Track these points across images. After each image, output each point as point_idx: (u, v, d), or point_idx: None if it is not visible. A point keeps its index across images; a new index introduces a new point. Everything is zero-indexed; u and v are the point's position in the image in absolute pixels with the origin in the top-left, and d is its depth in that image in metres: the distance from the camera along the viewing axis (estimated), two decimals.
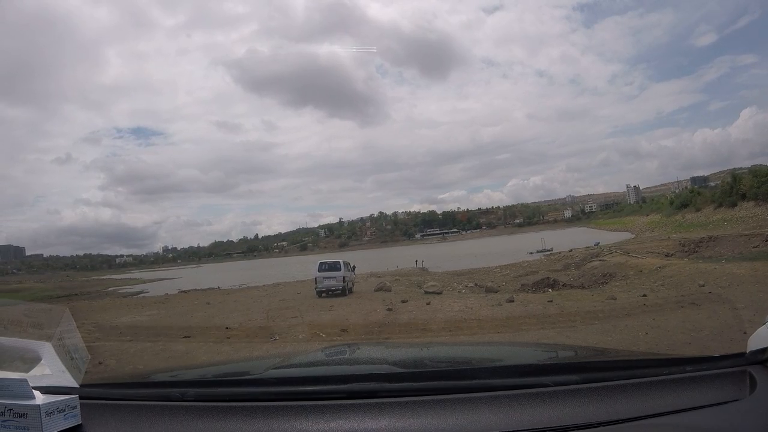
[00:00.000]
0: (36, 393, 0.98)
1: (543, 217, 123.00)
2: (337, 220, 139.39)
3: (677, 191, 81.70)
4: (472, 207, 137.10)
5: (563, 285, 16.04)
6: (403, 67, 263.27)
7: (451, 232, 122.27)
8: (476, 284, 18.54)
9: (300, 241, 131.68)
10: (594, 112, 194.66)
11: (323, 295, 15.50)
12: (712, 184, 78.04)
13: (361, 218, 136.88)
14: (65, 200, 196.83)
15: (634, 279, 15.46)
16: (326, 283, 15.82)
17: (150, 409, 1.07)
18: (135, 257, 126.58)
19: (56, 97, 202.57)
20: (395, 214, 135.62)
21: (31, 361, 1.20)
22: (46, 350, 1.21)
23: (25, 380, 0.99)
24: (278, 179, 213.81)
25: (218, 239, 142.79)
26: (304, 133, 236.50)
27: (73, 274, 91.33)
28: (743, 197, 40.08)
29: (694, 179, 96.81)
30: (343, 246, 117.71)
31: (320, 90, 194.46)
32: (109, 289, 45.11)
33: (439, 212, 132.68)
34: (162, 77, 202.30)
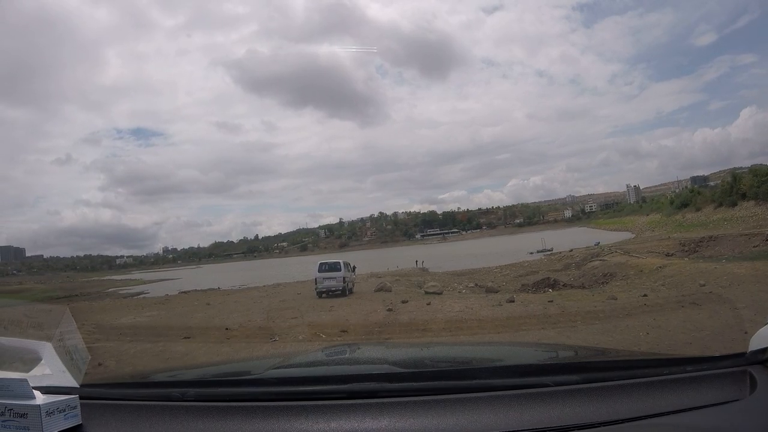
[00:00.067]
0: (36, 393, 0.98)
1: (543, 217, 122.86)
2: (338, 221, 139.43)
3: (677, 191, 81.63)
4: (473, 207, 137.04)
5: (564, 285, 16.05)
6: (403, 68, 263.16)
7: (452, 233, 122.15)
8: (477, 284, 18.56)
9: (300, 241, 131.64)
10: (594, 112, 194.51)
11: (323, 295, 15.50)
12: (712, 183, 77.96)
13: (362, 218, 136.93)
14: (65, 201, 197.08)
15: (634, 279, 15.46)
16: (326, 283, 15.82)
17: (150, 409, 1.07)
18: (135, 258, 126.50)
19: (56, 98, 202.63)
20: (395, 214, 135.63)
21: (31, 361, 1.20)
22: (47, 350, 1.21)
23: (26, 380, 0.99)
24: (278, 180, 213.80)
25: (218, 240, 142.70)
26: (304, 134, 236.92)
27: (73, 275, 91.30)
28: (743, 197, 40.10)
29: (694, 179, 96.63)
30: (343, 246, 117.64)
31: (320, 90, 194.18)
32: (110, 289, 45.12)
33: (439, 212, 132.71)
34: (162, 78, 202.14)
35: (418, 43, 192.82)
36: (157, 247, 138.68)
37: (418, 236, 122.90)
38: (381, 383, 1.14)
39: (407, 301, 12.45)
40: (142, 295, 30.05)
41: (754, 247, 20.47)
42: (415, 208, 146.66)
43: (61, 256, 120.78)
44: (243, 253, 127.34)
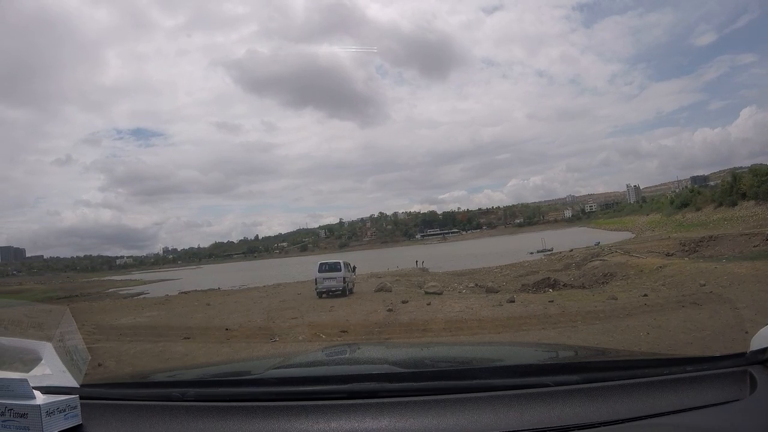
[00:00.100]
0: (36, 393, 0.99)
1: (543, 217, 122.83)
2: (338, 221, 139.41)
3: (677, 191, 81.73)
4: (473, 207, 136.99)
5: (564, 285, 16.04)
6: (403, 68, 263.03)
7: (452, 233, 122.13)
8: (477, 284, 18.54)
9: (300, 241, 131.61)
10: (594, 111, 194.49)
11: (323, 295, 15.49)
12: (712, 183, 77.98)
13: (362, 219, 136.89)
14: (65, 201, 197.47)
15: (634, 279, 15.46)
16: (326, 283, 15.81)
17: (150, 409, 1.07)
18: (135, 258, 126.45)
19: (56, 99, 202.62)
20: (395, 214, 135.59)
21: (31, 361, 1.20)
22: (47, 350, 1.21)
23: (26, 380, 0.99)
24: (278, 180, 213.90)
25: (218, 240, 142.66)
26: (304, 134, 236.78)
27: (73, 275, 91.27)
28: (743, 196, 40.15)
29: (694, 178, 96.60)
30: (343, 246, 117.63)
31: (320, 91, 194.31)
32: (110, 290, 45.12)
33: (439, 212, 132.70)
34: (162, 78, 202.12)
35: (418, 43, 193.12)
36: (158, 248, 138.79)
37: (418, 236, 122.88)
38: (381, 383, 1.14)
39: (407, 302, 12.44)
40: (142, 296, 30.06)
41: (754, 246, 20.47)
42: (415, 208, 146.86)
43: (62, 257, 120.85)
44: (243, 253, 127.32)
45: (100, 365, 5.62)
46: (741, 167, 66.12)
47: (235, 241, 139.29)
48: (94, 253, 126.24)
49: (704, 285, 11.25)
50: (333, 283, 15.81)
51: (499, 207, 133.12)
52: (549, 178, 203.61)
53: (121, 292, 38.95)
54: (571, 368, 1.26)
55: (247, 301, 16.41)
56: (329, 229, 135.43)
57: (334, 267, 16.28)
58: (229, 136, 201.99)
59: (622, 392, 1.02)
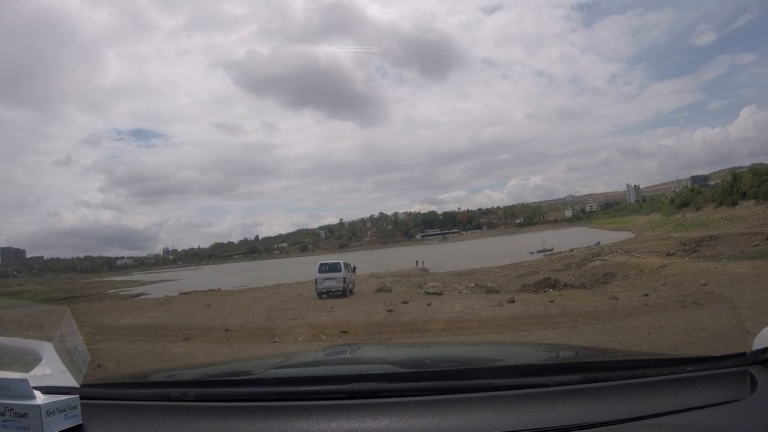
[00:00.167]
0: (37, 393, 0.99)
1: (543, 216, 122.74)
2: (338, 221, 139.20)
3: (677, 190, 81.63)
4: (473, 207, 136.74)
5: (564, 285, 16.05)
6: (403, 68, 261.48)
7: (452, 233, 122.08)
8: (477, 285, 18.54)
9: (300, 242, 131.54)
10: (594, 111, 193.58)
11: (324, 296, 15.50)
12: (712, 183, 77.86)
13: (362, 219, 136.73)
14: (65, 202, 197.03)
15: (635, 278, 15.46)
16: (327, 284, 15.82)
17: (151, 409, 1.07)
18: (135, 259, 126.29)
19: (56, 100, 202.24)
20: (395, 214, 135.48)
21: (32, 361, 1.20)
22: (47, 350, 1.21)
23: (26, 380, 0.99)
24: (278, 180, 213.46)
25: (219, 241, 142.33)
26: (304, 134, 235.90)
27: (73, 276, 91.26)
28: (743, 196, 40.12)
29: (694, 178, 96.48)
30: (343, 247, 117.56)
31: (320, 91, 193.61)
32: (110, 291, 45.11)
33: (439, 212, 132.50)
34: (162, 79, 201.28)
35: (418, 43, 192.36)
36: (158, 248, 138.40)
37: (418, 236, 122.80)
38: (381, 383, 1.14)
39: (408, 302, 12.44)
40: (142, 296, 30.06)
41: (754, 246, 20.46)
42: (416, 208, 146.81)
43: (62, 258, 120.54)
44: (243, 253, 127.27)
45: (99, 366, 5.61)
46: (741, 167, 66.12)
47: (236, 242, 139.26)
48: (95, 254, 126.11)
49: (705, 285, 11.25)
50: (333, 283, 15.81)
51: (499, 207, 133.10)
52: (549, 178, 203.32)
53: (121, 293, 38.94)
54: (571, 368, 1.26)
55: (247, 301, 16.42)
56: (329, 229, 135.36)
57: (334, 267, 16.28)
58: (229, 137, 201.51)
59: (623, 392, 1.01)
